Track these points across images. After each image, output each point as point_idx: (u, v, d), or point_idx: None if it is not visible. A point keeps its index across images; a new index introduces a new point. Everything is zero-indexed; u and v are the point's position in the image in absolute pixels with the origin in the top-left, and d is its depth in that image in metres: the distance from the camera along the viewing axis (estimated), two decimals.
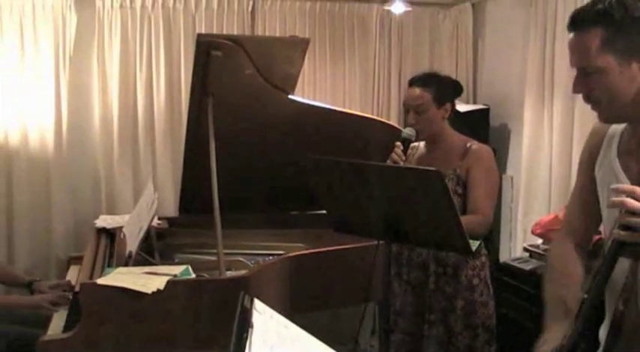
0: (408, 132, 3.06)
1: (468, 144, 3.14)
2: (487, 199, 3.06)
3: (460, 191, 3.08)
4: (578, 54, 1.70)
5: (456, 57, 5.60)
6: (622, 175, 1.74)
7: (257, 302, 1.62)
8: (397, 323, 3.26)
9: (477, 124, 4.91)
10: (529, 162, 4.59)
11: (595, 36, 1.64)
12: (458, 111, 3.31)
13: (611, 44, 1.63)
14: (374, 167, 2.69)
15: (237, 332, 1.45)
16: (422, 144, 3.27)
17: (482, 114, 5.06)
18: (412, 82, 3.19)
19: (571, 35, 1.72)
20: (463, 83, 5.38)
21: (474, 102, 5.44)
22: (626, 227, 1.43)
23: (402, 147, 2.98)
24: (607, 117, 1.74)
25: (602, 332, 1.81)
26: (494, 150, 4.66)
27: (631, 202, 1.43)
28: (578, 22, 1.69)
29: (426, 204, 2.47)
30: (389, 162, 2.96)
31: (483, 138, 4.81)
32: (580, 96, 1.76)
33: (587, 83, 1.70)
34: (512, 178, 4.93)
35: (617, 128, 1.85)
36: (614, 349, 1.49)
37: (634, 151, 1.72)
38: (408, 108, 3.15)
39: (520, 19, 4.81)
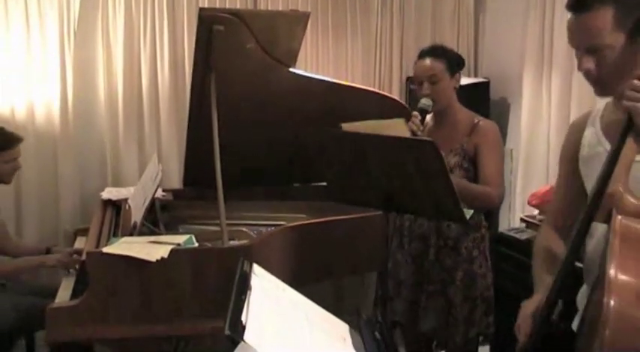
0: (425, 102, 3.09)
1: (476, 120, 3.20)
2: (497, 174, 3.12)
3: (466, 166, 3.13)
4: (586, 33, 1.74)
5: (457, 31, 5.60)
6: (603, 139, 1.81)
7: (256, 267, 1.69)
8: (400, 292, 3.33)
9: (478, 97, 4.95)
10: (528, 135, 4.64)
11: (606, 15, 1.70)
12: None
13: (622, 22, 1.69)
14: (370, 137, 2.74)
15: (236, 294, 1.52)
16: (428, 117, 3.30)
17: (483, 88, 5.09)
18: (422, 54, 3.22)
19: (572, 16, 1.77)
20: (464, 57, 5.43)
21: (475, 76, 5.47)
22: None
23: (419, 117, 3.02)
24: (605, 91, 1.81)
25: (580, 298, 1.91)
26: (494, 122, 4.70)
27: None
28: (584, 2, 1.73)
29: (421, 173, 2.53)
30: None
31: (484, 111, 4.85)
32: (576, 70, 1.82)
33: (596, 60, 1.75)
34: (511, 151, 4.97)
35: (597, 110, 1.95)
36: (588, 313, 1.57)
37: (616, 121, 1.78)
38: (421, 80, 3.16)
39: None
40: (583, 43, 1.76)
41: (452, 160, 3.13)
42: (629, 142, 1.51)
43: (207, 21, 3.28)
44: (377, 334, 1.81)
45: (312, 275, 3.49)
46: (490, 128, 3.20)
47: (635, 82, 1.52)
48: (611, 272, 1.28)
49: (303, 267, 3.40)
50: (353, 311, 4.05)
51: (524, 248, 3.86)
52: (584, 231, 1.48)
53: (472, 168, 3.14)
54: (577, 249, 1.48)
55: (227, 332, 1.36)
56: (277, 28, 3.58)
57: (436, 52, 3.20)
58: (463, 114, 3.24)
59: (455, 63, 3.21)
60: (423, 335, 3.34)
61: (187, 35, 5.00)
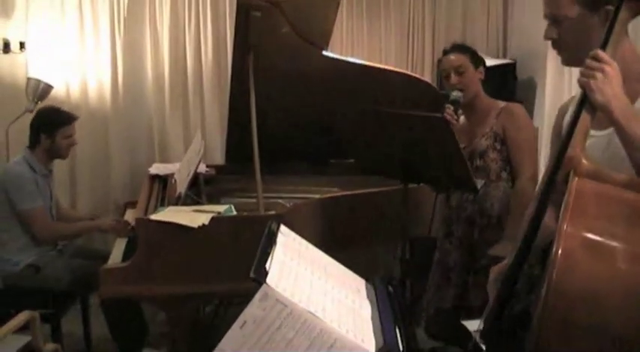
0: (455, 94, 3.32)
1: (502, 105, 3.41)
2: (525, 158, 3.29)
3: (498, 147, 3.33)
4: (550, 5, 1.96)
5: (487, 13, 5.75)
6: None
7: (283, 227, 1.91)
8: (449, 279, 3.50)
9: (505, 78, 5.11)
10: (551, 112, 4.80)
11: None
12: (487, 66, 3.55)
13: None
14: (392, 114, 2.98)
15: (262, 247, 1.74)
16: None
17: (510, 69, 5.25)
18: (446, 51, 3.48)
19: None
20: (494, 39, 5.62)
21: (504, 57, 5.62)
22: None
23: (452, 108, 3.24)
24: (569, 60, 2.00)
25: None
26: (521, 102, 4.85)
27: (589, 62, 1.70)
28: None
29: (435, 147, 2.77)
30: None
31: (511, 91, 5.04)
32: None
33: (557, 30, 1.96)
34: (537, 129, 5.14)
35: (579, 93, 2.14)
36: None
37: None
38: (448, 72, 3.39)
39: None
40: (547, 13, 1.97)
41: (484, 143, 3.35)
42: (585, 114, 1.72)
43: (244, 7, 3.53)
44: (390, 288, 1.99)
45: (341, 243, 3.66)
46: (515, 109, 3.40)
47: (589, 61, 1.69)
48: (563, 224, 1.47)
49: (333, 235, 3.61)
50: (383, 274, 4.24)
51: None
52: (548, 191, 1.68)
53: (504, 148, 3.34)
54: (543, 206, 1.66)
55: (252, 275, 1.58)
56: (310, 13, 3.81)
57: (458, 47, 3.47)
58: (489, 103, 3.45)
59: (477, 56, 3.45)
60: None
61: (229, 18, 5.27)
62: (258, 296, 1.55)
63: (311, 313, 1.51)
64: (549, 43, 4.80)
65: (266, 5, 3.56)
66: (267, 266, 1.65)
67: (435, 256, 3.59)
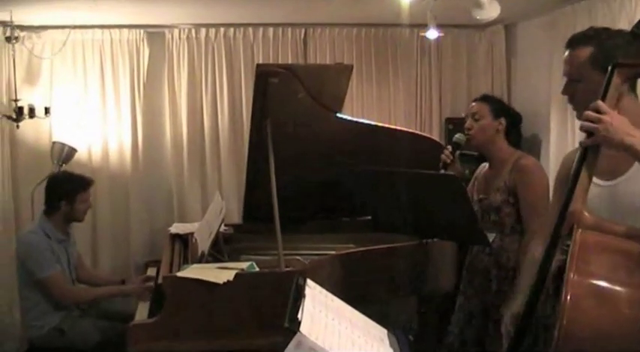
0: (458, 137, 3.50)
1: (517, 158, 3.48)
2: (532, 216, 3.31)
3: (512, 201, 3.39)
4: (570, 65, 2.16)
5: (491, 74, 5.95)
6: None
7: (309, 281, 2.04)
8: (472, 324, 3.54)
9: (510, 135, 5.24)
10: (556, 167, 4.94)
11: (584, 53, 2.11)
12: None
13: (595, 60, 2.09)
14: (404, 173, 3.14)
15: (292, 300, 1.84)
16: (487, 164, 3.64)
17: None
18: (473, 100, 3.63)
19: (567, 52, 2.18)
20: (498, 98, 5.74)
21: None
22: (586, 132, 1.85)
23: (450, 150, 3.42)
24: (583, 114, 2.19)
25: None
26: None
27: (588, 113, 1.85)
28: (574, 42, 2.16)
29: (447, 204, 2.91)
30: (440, 164, 3.38)
31: (515, 147, 5.18)
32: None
33: (574, 88, 2.15)
34: None
35: None
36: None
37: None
38: (467, 117, 3.54)
39: (547, 38, 5.15)
40: (567, 72, 2.17)
41: (499, 198, 3.41)
42: (585, 170, 1.86)
43: (263, 75, 3.66)
44: (410, 337, 2.13)
45: (358, 297, 3.66)
46: (526, 167, 3.42)
47: (590, 112, 1.84)
48: (570, 273, 1.63)
49: (350, 289, 3.59)
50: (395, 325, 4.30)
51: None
52: (555, 242, 1.85)
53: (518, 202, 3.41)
54: (549, 257, 1.83)
55: (286, 324, 1.68)
56: (324, 80, 3.94)
57: (486, 97, 3.63)
58: (507, 153, 3.53)
59: (503, 109, 3.58)
60: None
61: (244, 84, 5.49)
62: (292, 343, 1.64)
63: None
64: (552, 102, 5.00)
65: (283, 72, 3.69)
66: (299, 316, 1.74)
67: (458, 300, 3.65)
